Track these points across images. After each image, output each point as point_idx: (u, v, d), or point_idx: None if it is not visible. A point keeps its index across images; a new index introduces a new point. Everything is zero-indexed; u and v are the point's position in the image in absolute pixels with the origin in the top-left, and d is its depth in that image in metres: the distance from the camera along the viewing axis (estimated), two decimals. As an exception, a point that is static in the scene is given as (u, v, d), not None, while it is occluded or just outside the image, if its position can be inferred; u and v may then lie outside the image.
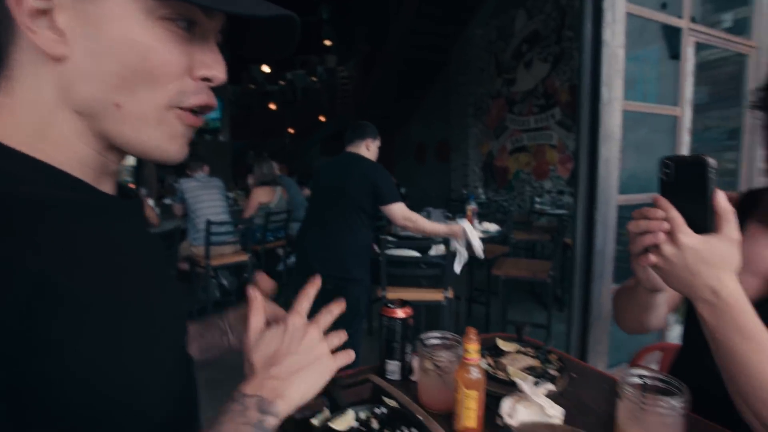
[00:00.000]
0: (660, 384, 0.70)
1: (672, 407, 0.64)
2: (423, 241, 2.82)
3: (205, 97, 0.48)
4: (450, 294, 2.57)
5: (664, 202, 0.62)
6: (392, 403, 0.82)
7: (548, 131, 5.58)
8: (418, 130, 8.70)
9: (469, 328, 0.75)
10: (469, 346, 0.74)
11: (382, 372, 0.97)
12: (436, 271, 2.55)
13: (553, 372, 0.91)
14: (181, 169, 4.63)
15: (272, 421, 0.48)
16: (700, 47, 3.24)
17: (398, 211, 2.24)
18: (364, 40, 8.00)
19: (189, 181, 3.76)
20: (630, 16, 2.52)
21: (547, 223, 4.89)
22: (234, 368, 0.63)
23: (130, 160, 5.30)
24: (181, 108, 0.47)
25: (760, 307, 0.64)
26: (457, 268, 2.47)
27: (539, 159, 5.73)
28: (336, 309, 0.62)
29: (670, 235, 0.60)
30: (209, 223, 3.37)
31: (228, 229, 3.64)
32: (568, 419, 0.79)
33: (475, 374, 0.74)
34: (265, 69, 9.77)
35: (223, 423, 0.46)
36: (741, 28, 3.40)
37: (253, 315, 0.57)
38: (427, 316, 3.02)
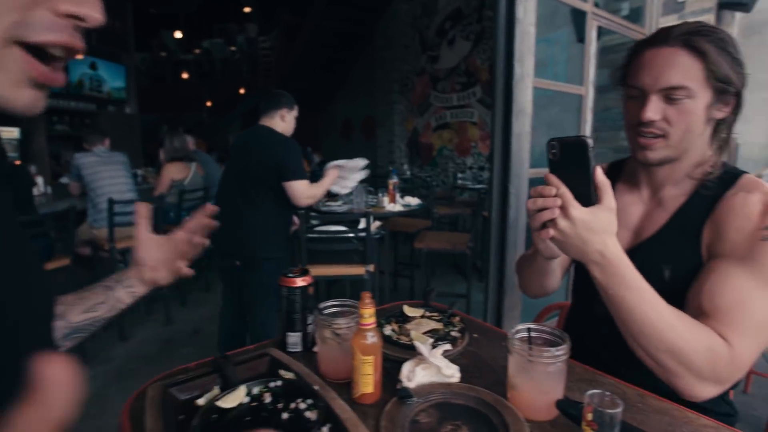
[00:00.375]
0: (545, 336, 0.73)
1: (555, 356, 0.67)
2: (349, 215, 2.78)
3: (65, 36, 0.39)
4: (372, 268, 2.57)
5: (555, 180, 0.69)
6: (289, 375, 0.78)
7: (470, 109, 5.74)
8: (344, 106, 8.56)
9: (364, 293, 0.72)
10: (364, 311, 0.72)
11: (283, 345, 0.93)
12: (356, 246, 2.53)
13: (454, 333, 0.93)
14: (79, 144, 4.14)
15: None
16: (602, 32, 3.46)
17: (299, 189, 2.14)
18: (286, 9, 7.61)
19: (86, 156, 3.36)
20: (541, -4, 2.60)
21: (469, 198, 5.08)
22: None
23: (14, 133, 4.64)
24: (25, 45, 0.37)
25: (630, 255, 0.73)
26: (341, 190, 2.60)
27: (461, 136, 5.90)
28: None
29: (563, 209, 0.68)
30: (111, 202, 3.06)
31: (134, 208, 3.33)
32: (466, 377, 0.81)
33: (371, 339, 0.72)
34: (178, 35, 8.90)
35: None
36: (636, 16, 3.69)
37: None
38: (351, 292, 3.02)
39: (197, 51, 8.99)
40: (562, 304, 1.41)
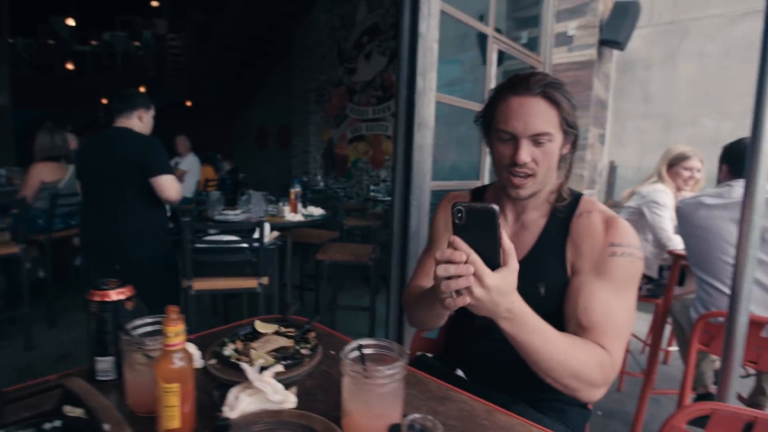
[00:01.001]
0: (383, 353, 0.66)
1: (388, 375, 0.60)
2: (240, 224, 2.60)
3: None
4: (265, 281, 2.40)
5: (463, 245, 0.67)
6: (76, 412, 0.63)
7: (385, 122, 5.79)
8: (260, 114, 8.24)
9: (170, 307, 0.60)
10: (169, 329, 0.60)
11: (93, 373, 0.76)
12: (249, 257, 2.36)
13: (304, 351, 0.83)
14: None
15: None
16: (505, 57, 3.67)
17: (166, 183, 2.09)
18: (198, 9, 7.16)
19: None
20: (443, 14, 2.67)
21: (382, 210, 5.08)
22: None
23: None
24: None
25: None
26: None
27: (376, 149, 5.92)
28: None
29: (477, 278, 0.67)
30: None
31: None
32: (306, 402, 0.72)
33: (178, 362, 0.60)
34: (71, 23, 7.88)
35: None
36: (533, 45, 3.99)
37: None
38: (250, 307, 2.81)
39: (94, 42, 8.02)
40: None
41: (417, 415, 0.51)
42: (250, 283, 2.38)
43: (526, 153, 0.87)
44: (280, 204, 2.93)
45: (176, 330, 0.60)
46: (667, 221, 2.24)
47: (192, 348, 0.83)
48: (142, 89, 8.00)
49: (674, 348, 2.81)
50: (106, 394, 0.69)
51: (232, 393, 0.67)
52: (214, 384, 0.75)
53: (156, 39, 8.19)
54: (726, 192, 1.72)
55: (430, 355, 1.22)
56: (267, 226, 2.48)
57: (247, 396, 0.66)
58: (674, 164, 2.34)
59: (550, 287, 0.90)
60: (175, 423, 0.60)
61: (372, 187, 5.71)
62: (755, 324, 1.51)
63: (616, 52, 4.07)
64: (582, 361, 0.77)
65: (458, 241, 0.68)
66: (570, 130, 0.91)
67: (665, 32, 4.11)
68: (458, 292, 0.68)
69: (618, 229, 0.89)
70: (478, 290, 0.67)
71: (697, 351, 1.69)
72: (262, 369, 0.69)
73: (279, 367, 0.71)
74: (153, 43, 8.19)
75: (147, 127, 2.23)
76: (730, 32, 3.75)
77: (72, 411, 0.63)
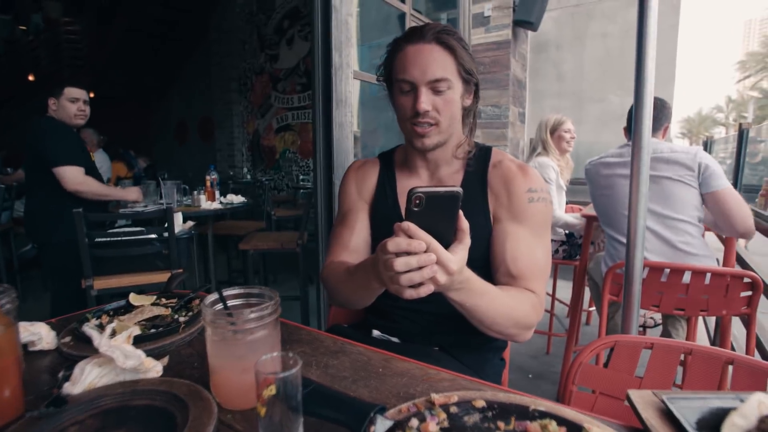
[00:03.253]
0: (249, 299, 0.58)
1: (256, 319, 0.52)
2: (147, 213, 2.38)
3: None
4: (180, 272, 2.21)
5: (419, 233, 0.61)
6: None
7: (310, 110, 5.64)
8: (179, 106, 7.68)
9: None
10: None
11: None
12: (157, 248, 2.16)
13: (182, 319, 0.73)
14: None
15: None
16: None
17: (66, 174, 2.15)
18: (99, -11, 6.48)
19: None
20: (357, -12, 2.58)
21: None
22: None
23: None
24: None
25: None
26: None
27: (304, 138, 5.75)
28: None
29: (441, 266, 0.62)
30: None
31: None
32: (177, 369, 0.62)
33: (-15, 330, 0.48)
34: None
35: None
36: (452, 25, 4.04)
37: None
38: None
39: None
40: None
41: (275, 354, 0.44)
42: (161, 277, 2.18)
43: (426, 101, 0.86)
44: (195, 193, 2.71)
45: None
46: (553, 197, 2.37)
47: (45, 329, 0.70)
48: (30, 78, 7.16)
49: (594, 308, 2.99)
50: None
51: (79, 367, 0.56)
52: (65, 364, 0.63)
53: (48, 23, 7.28)
54: (626, 151, 1.83)
55: (345, 325, 1.16)
56: (178, 215, 2.29)
57: (96, 367, 0.55)
58: (555, 130, 2.50)
59: (475, 238, 0.85)
60: (-11, 406, 0.48)
61: (302, 177, 5.55)
62: (654, 270, 1.62)
63: (530, 34, 4.24)
64: (521, 311, 0.81)
65: (414, 229, 0.61)
66: (468, 78, 0.91)
67: (573, 15, 4.34)
68: (420, 282, 0.62)
69: (531, 176, 0.92)
70: (443, 277, 0.62)
71: (608, 302, 1.79)
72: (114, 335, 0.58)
73: (135, 330, 0.61)
74: (44, 28, 7.28)
75: (64, 113, 2.24)
76: (627, 14, 4.04)
77: None
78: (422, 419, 0.48)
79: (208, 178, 2.74)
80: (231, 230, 3.36)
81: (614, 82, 4.10)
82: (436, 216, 0.62)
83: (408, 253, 0.60)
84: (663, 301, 1.65)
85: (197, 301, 0.81)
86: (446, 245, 0.63)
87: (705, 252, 1.71)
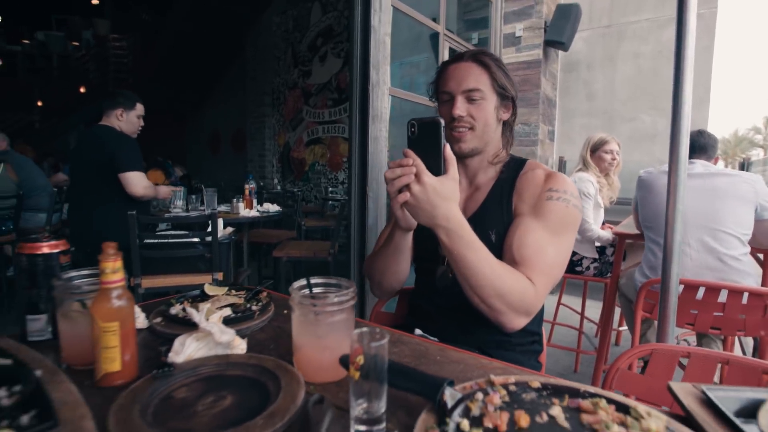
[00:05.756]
0: (330, 288, 0.66)
1: (337, 303, 0.60)
2: (189, 218, 2.51)
3: None
4: (220, 276, 2.32)
5: (411, 153, 0.78)
6: (6, 362, 0.58)
7: (341, 124, 5.79)
8: (213, 118, 8.00)
9: (106, 244, 0.57)
10: (105, 265, 0.56)
11: (23, 336, 0.71)
12: (200, 252, 2.27)
13: (254, 308, 0.81)
14: None
15: None
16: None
17: (133, 179, 2.26)
18: (144, 8, 6.86)
19: None
20: (395, 10, 2.72)
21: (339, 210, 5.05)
22: None
23: None
24: None
25: None
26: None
27: (333, 151, 5.90)
28: None
29: (417, 176, 0.77)
30: None
31: None
32: (257, 349, 0.70)
33: (116, 301, 0.57)
34: None
35: None
36: (484, 45, 4.13)
37: None
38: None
39: (26, 41, 7.38)
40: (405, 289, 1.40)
41: (364, 329, 0.51)
42: (203, 279, 2.29)
43: (461, 107, 0.99)
44: (234, 200, 2.85)
45: (114, 266, 0.57)
46: (589, 211, 2.39)
47: (137, 310, 0.79)
48: (82, 90, 7.59)
49: (625, 327, 2.96)
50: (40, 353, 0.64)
51: (178, 340, 0.64)
52: (160, 340, 0.72)
53: (97, 39, 7.74)
54: (689, 167, 1.90)
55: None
56: (220, 221, 2.41)
57: (194, 341, 0.64)
58: (596, 149, 2.53)
59: (500, 234, 0.98)
60: (116, 366, 0.57)
61: (330, 189, 5.67)
62: (689, 288, 1.63)
63: (561, 53, 4.29)
64: (509, 285, 0.84)
65: (409, 152, 0.78)
66: (503, 93, 1.02)
67: (604, 35, 4.37)
68: (401, 191, 0.78)
69: (556, 179, 0.98)
70: (416, 187, 0.76)
71: (641, 319, 1.80)
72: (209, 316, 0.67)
73: (227, 311, 0.69)
74: (94, 44, 7.74)
75: (130, 126, 2.38)
76: (661, 35, 4.05)
77: (2, 361, 0.58)
78: (486, 393, 0.54)
79: (246, 186, 2.88)
80: (264, 238, 3.48)
81: (646, 101, 4.09)
82: (426, 142, 0.78)
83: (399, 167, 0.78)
84: (698, 319, 1.65)
85: (264, 293, 0.89)
86: (437, 173, 0.78)
87: (751, 270, 1.72)
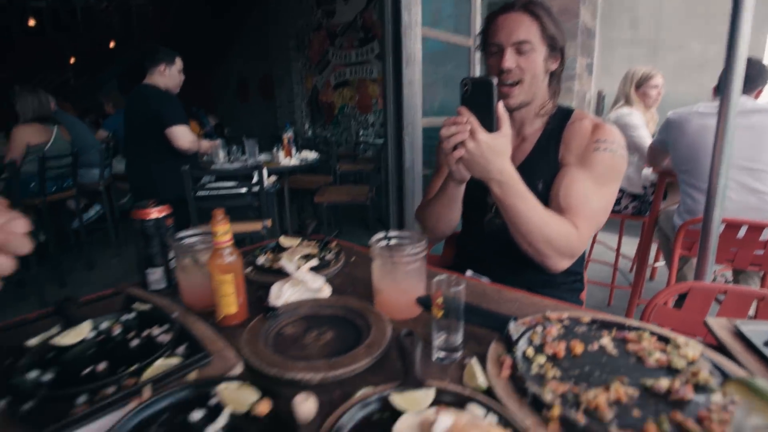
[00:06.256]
0: (404, 240, 0.75)
1: (412, 254, 0.69)
2: (240, 170, 2.64)
3: None
4: (269, 223, 2.48)
5: (465, 111, 0.83)
6: (144, 308, 0.72)
7: (369, 65, 5.67)
8: (239, 65, 7.95)
9: (216, 210, 0.68)
10: (217, 229, 0.67)
11: (144, 285, 0.85)
12: (251, 201, 2.42)
13: (328, 257, 0.92)
14: None
15: None
16: (488, -13, 3.56)
17: (179, 133, 2.33)
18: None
19: None
20: (426, -57, 2.58)
21: (372, 155, 5.10)
22: None
23: None
24: None
25: None
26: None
27: (362, 93, 5.83)
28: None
29: (471, 133, 0.82)
30: None
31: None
32: (337, 293, 0.81)
33: (228, 257, 0.68)
34: None
35: None
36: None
37: None
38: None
39: None
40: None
41: (442, 277, 0.60)
42: (254, 226, 2.46)
43: (510, 59, 0.99)
44: (275, 150, 2.95)
45: (224, 229, 0.68)
46: (646, 140, 2.33)
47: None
48: (111, 45, 7.62)
49: (660, 263, 3.00)
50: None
51: (275, 287, 0.76)
52: (254, 287, 0.84)
53: (119, -10, 7.69)
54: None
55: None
56: (265, 170, 2.52)
57: (289, 288, 0.75)
58: (641, 85, 2.43)
59: (546, 183, 1.02)
60: (232, 309, 0.70)
61: (361, 132, 5.69)
62: (731, 226, 1.65)
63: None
64: (555, 230, 0.90)
65: (463, 109, 0.83)
66: (552, 43, 1.01)
67: (652, -47, 4.00)
68: (456, 148, 0.83)
69: (603, 129, 1.00)
70: (470, 143, 0.82)
71: (679, 256, 1.84)
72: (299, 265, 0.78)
73: (314, 262, 0.80)
74: (116, -6, 7.70)
75: (172, 80, 2.45)
76: (717, -53, 3.67)
77: (141, 307, 0.71)
78: (544, 327, 0.64)
79: (285, 135, 2.96)
80: (303, 184, 3.61)
81: (695, 27, 3.81)
82: (479, 99, 0.82)
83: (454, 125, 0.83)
84: (738, 256, 1.68)
85: (334, 243, 1.00)
86: (490, 129, 0.82)
87: None
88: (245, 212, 2.51)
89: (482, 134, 0.81)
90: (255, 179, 2.41)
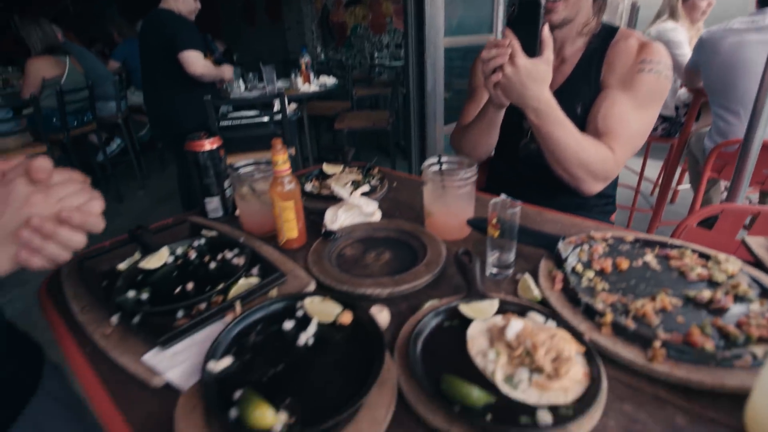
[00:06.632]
0: (454, 165, 0.78)
1: (464, 179, 0.72)
2: (262, 98, 2.61)
3: None
4: (293, 152, 2.50)
5: (509, 33, 0.80)
6: (212, 234, 0.77)
7: (382, -21, 5.28)
8: (243, -16, 7.47)
9: (275, 139, 0.70)
10: (277, 158, 0.70)
11: (204, 214, 0.90)
12: (274, 130, 2.42)
13: (373, 183, 0.96)
14: None
15: None
16: None
17: (191, 57, 2.26)
18: None
19: None
20: None
21: (388, 78, 4.93)
22: None
23: None
24: None
25: None
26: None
27: (375, 12, 5.49)
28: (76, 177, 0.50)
29: (511, 58, 0.79)
30: None
31: (5, 114, 2.83)
32: (387, 215, 0.86)
33: (288, 185, 0.72)
34: None
35: None
36: None
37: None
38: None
39: None
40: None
41: (497, 199, 0.63)
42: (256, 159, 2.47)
43: None
44: (292, 76, 2.87)
45: (283, 158, 0.70)
46: (685, 58, 2.20)
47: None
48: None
49: (683, 186, 2.98)
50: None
51: (329, 212, 0.81)
52: (305, 213, 0.89)
53: None
54: (759, 18, 1.70)
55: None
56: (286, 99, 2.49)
57: (343, 212, 0.80)
58: None
59: (585, 105, 1.00)
60: (294, 233, 0.75)
61: (376, 54, 5.45)
62: (765, 148, 1.62)
63: None
64: (591, 156, 0.90)
65: (507, 31, 0.80)
66: None
67: None
68: (495, 71, 0.82)
69: (650, 48, 0.95)
70: (508, 68, 0.80)
71: (707, 179, 1.83)
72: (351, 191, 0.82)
73: (366, 187, 0.84)
74: None
75: (186, 6, 2.37)
76: None
77: (208, 233, 0.77)
78: (590, 245, 0.68)
79: (302, 60, 2.86)
80: (320, 110, 3.56)
81: None
82: (525, 21, 0.79)
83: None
84: (769, 177, 1.67)
85: (376, 169, 1.03)
86: (532, 54, 0.79)
87: None
88: (269, 142, 2.52)
89: (522, 59, 0.79)
90: (276, 107, 2.39)
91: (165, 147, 3.64)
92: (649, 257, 0.66)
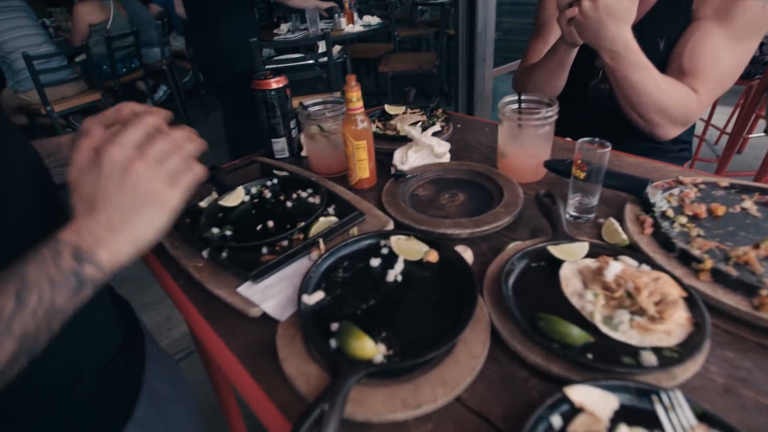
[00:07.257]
0: (533, 104, 0.74)
1: (544, 118, 0.68)
2: (306, 40, 2.54)
3: None
4: (338, 95, 2.45)
5: None
6: (283, 173, 0.78)
7: None
8: None
9: (349, 76, 0.68)
10: (351, 95, 0.69)
11: (271, 154, 0.91)
12: (319, 73, 2.37)
13: (439, 123, 0.93)
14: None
15: (91, 271, 0.36)
16: None
17: None
18: None
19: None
20: None
21: (431, 18, 4.66)
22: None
23: None
24: None
25: None
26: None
27: (419, -57, 5.11)
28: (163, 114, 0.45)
29: None
30: (28, 58, 2.61)
31: (60, 62, 2.89)
32: (455, 158, 0.84)
33: (361, 124, 0.70)
34: None
35: (29, 266, 0.35)
36: None
37: (78, 145, 0.39)
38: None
39: None
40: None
41: (585, 139, 0.60)
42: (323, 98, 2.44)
43: None
44: (336, 17, 2.77)
45: (357, 95, 0.69)
46: None
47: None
48: None
49: (754, 135, 2.74)
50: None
51: (398, 153, 0.80)
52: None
53: None
54: None
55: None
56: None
57: (413, 153, 0.78)
58: None
59: (670, 40, 0.89)
60: (365, 173, 0.75)
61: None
62: None
63: None
64: (671, 100, 0.81)
65: None
66: None
67: None
68: (571, 5, 0.74)
69: None
70: (586, 3, 0.72)
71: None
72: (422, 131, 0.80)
73: (437, 127, 0.82)
74: None
75: None
76: None
77: (280, 173, 0.78)
78: (681, 190, 0.64)
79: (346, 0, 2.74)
80: (363, 53, 3.44)
81: None
82: None
83: None
84: None
85: (439, 110, 1.00)
86: None
87: None
88: (315, 85, 2.47)
89: None
90: (322, 49, 2.32)
91: (209, 92, 3.66)
92: (748, 203, 0.62)
